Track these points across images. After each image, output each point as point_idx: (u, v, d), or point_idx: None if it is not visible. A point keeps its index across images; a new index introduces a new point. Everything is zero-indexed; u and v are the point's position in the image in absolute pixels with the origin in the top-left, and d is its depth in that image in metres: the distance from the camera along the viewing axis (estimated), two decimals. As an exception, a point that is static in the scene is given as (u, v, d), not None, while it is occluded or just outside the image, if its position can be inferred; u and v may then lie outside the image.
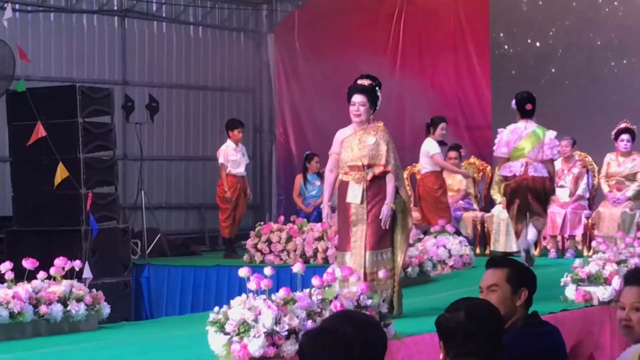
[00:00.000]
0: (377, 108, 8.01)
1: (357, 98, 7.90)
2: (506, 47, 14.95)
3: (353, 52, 16.20)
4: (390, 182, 7.87)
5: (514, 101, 10.81)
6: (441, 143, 12.74)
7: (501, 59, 14.98)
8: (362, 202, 7.82)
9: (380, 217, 7.78)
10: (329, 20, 16.78)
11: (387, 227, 7.79)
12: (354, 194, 7.83)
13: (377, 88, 7.97)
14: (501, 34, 15.08)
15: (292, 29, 17.49)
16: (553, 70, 14.53)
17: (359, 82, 8.02)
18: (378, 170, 7.86)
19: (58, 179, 11.54)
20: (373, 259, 7.76)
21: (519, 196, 10.60)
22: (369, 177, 7.83)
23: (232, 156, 13.76)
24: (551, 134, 10.72)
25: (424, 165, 12.74)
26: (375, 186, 7.86)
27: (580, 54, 14.38)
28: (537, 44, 14.63)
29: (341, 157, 7.97)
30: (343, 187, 7.95)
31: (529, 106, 10.73)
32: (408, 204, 8.04)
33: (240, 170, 13.86)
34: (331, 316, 3.45)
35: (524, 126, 10.70)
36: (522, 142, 10.64)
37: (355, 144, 7.89)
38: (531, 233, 10.69)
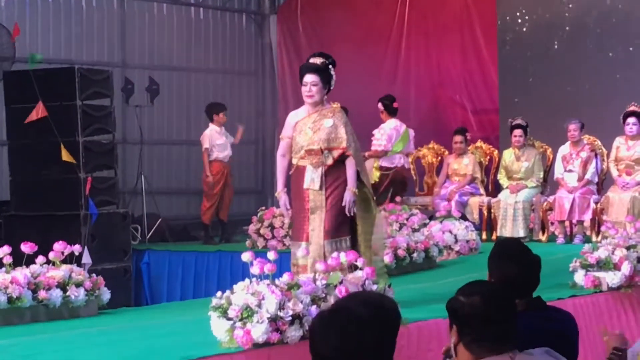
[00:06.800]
0: (331, 88, 7.50)
1: (309, 78, 7.37)
2: (514, 29, 14.73)
3: (357, 35, 16.05)
4: (350, 167, 7.37)
5: (380, 103, 13.00)
6: None
7: (508, 41, 14.76)
8: (320, 188, 7.33)
9: (344, 205, 7.27)
10: (332, 1, 16.58)
11: (352, 214, 7.30)
12: (312, 179, 7.34)
13: (330, 66, 7.45)
14: (507, 17, 14.84)
15: (295, 11, 17.33)
16: (561, 53, 14.32)
17: (311, 60, 7.49)
18: (337, 153, 7.36)
19: (65, 157, 11.33)
20: (332, 248, 7.19)
21: (397, 184, 12.93)
22: (329, 162, 7.35)
23: (218, 140, 13.72)
24: (412, 131, 13.18)
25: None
26: (334, 171, 7.36)
27: (590, 36, 14.18)
28: (546, 27, 14.41)
29: (295, 142, 7.45)
30: (298, 173, 7.46)
31: (396, 105, 12.96)
32: (370, 191, 7.58)
33: (226, 153, 13.81)
34: (347, 296, 3.33)
35: (400, 124, 12.96)
36: (401, 137, 12.84)
37: (310, 127, 7.40)
38: None
